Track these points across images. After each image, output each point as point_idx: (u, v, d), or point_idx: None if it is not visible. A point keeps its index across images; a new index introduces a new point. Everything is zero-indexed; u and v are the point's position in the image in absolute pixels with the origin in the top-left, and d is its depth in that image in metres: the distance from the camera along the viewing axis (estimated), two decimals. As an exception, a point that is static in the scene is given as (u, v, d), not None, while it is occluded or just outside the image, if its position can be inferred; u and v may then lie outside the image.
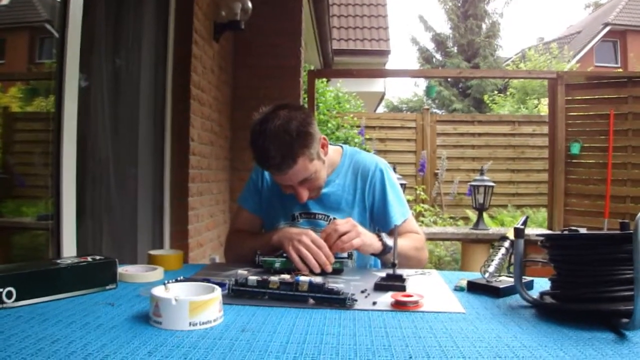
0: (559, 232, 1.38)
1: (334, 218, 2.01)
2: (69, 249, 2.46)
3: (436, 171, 8.94)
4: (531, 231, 5.75)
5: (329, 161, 2.03)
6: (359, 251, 1.85)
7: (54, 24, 2.57)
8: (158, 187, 3.71)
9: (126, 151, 3.33)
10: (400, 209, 2.09)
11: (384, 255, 1.88)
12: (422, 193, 8.29)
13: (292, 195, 1.95)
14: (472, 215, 7.76)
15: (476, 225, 6.03)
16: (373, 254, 1.92)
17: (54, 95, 2.50)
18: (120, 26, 3.25)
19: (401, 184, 5.39)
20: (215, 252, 4.46)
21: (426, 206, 8.01)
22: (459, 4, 26.27)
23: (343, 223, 1.80)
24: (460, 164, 9.27)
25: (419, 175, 8.81)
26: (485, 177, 5.90)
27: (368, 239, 1.82)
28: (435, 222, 7.52)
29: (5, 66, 2.66)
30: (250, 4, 4.32)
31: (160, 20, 3.74)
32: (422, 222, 7.25)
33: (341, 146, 2.20)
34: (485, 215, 6.32)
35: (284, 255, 1.78)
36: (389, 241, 1.81)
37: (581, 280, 1.26)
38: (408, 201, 2.27)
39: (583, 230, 1.34)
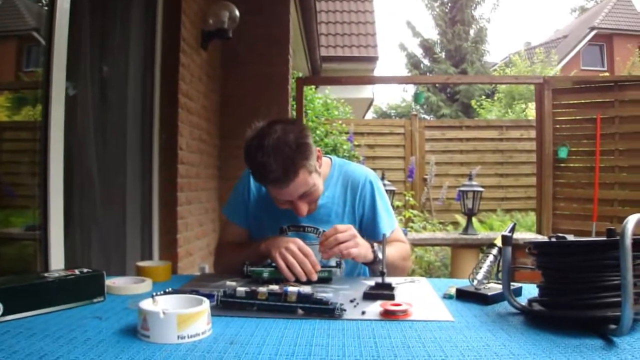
0: (546, 240, 1.38)
1: (323, 231, 2.00)
2: (56, 260, 2.44)
3: (425, 176, 8.96)
4: (520, 235, 5.79)
5: None
6: (353, 260, 1.85)
7: (40, 32, 2.55)
8: (146, 196, 3.70)
9: (114, 160, 3.31)
10: (388, 220, 2.10)
11: (373, 265, 1.89)
12: (411, 199, 8.30)
13: (280, 208, 1.95)
14: (462, 220, 7.78)
15: (465, 230, 6.04)
16: (363, 263, 1.92)
17: (41, 104, 2.49)
18: (108, 34, 3.24)
19: (390, 190, 5.42)
20: (205, 261, 4.45)
21: (415, 212, 8.02)
22: (447, 10, 26.43)
23: (344, 230, 1.79)
24: (449, 169, 9.29)
25: (407, 181, 8.82)
26: (474, 182, 5.91)
27: (364, 249, 1.82)
28: (424, 228, 7.53)
29: (-7, 75, 2.65)
30: (237, 12, 4.32)
31: (147, 28, 3.73)
32: (412, 227, 7.25)
33: (330, 157, 2.19)
34: (474, 220, 6.33)
35: (272, 264, 1.78)
36: (380, 254, 1.81)
37: (569, 287, 1.27)
38: (397, 207, 2.29)
39: (570, 237, 1.35)
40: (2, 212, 2.66)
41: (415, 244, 5.99)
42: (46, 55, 2.47)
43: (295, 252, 1.74)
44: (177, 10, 3.85)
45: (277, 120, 1.89)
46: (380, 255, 1.81)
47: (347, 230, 1.80)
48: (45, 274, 1.44)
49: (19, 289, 1.33)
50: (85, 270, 1.50)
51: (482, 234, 6.33)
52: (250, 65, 5.11)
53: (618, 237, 1.11)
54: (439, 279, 1.92)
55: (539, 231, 6.30)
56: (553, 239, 1.35)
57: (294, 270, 1.71)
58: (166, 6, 3.85)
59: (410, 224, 7.46)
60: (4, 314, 1.27)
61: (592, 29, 25.00)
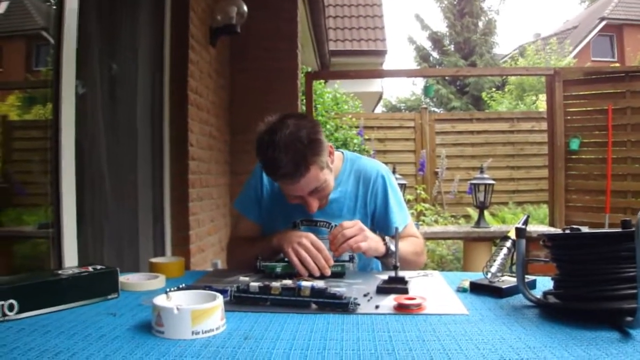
0: (560, 232, 1.37)
1: (336, 225, 2.00)
2: (70, 257, 2.45)
3: (436, 170, 8.92)
4: (533, 228, 5.75)
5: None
6: (364, 254, 1.85)
7: (49, 31, 2.56)
8: (158, 193, 3.71)
9: (125, 157, 3.32)
10: (401, 215, 2.09)
11: (386, 258, 1.89)
12: (422, 192, 8.27)
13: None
14: (473, 213, 7.76)
15: (477, 224, 6.01)
16: (376, 257, 1.92)
17: (51, 102, 2.49)
18: (116, 32, 3.25)
19: (401, 184, 5.40)
20: (217, 257, 4.45)
21: (427, 205, 7.98)
22: (455, 2, 26.28)
23: (351, 226, 1.79)
24: (460, 162, 9.25)
25: (418, 174, 8.80)
26: (485, 175, 5.89)
27: (374, 242, 1.82)
28: (436, 221, 7.50)
29: (3, 74, 2.65)
30: (245, 8, 4.32)
31: (156, 25, 3.74)
32: (424, 221, 7.22)
33: (342, 152, 2.19)
34: (486, 213, 6.30)
35: (285, 259, 1.78)
36: (392, 246, 1.80)
37: (584, 279, 1.26)
38: (409, 201, 2.28)
39: (585, 229, 1.34)
40: (14, 211, 2.67)
41: (427, 237, 5.96)
42: (56, 54, 2.48)
43: (308, 246, 1.74)
44: (185, 7, 3.84)
45: (289, 114, 1.88)
46: (392, 248, 1.80)
47: (354, 226, 1.80)
48: (59, 271, 1.44)
49: (34, 286, 1.33)
50: (99, 267, 1.51)
51: (494, 227, 6.30)
52: (258, 61, 5.11)
53: (634, 229, 1.10)
54: (452, 273, 1.92)
55: (552, 223, 6.27)
56: (567, 231, 1.34)
57: (307, 266, 1.71)
58: (174, 3, 3.85)
59: (422, 218, 7.43)
60: (19, 312, 1.27)
61: (602, 19, 24.80)
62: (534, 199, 9.21)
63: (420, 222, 6.86)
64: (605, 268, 1.22)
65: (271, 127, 1.82)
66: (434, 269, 6.59)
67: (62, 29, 2.48)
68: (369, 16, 12.44)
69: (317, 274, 1.70)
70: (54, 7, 2.54)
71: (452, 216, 8.25)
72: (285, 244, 1.78)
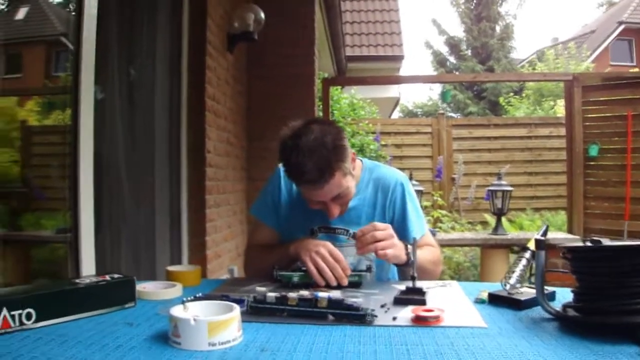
0: (580, 242, 1.35)
1: (354, 233, 2.00)
2: (87, 263, 2.46)
3: (453, 176, 8.86)
4: (551, 235, 5.70)
5: None
6: (386, 260, 1.84)
7: (69, 37, 2.58)
8: (175, 200, 3.72)
9: (143, 164, 3.34)
10: (419, 224, 2.08)
11: (404, 267, 1.88)
12: (439, 199, 8.23)
13: (310, 208, 1.94)
14: (491, 219, 7.70)
15: (495, 231, 5.96)
16: (395, 264, 1.91)
17: (70, 108, 2.51)
18: (134, 39, 3.27)
19: (418, 190, 5.38)
20: (234, 263, 4.46)
21: (444, 212, 7.93)
22: (472, 7, 26.22)
23: (382, 228, 1.78)
24: (477, 168, 9.20)
25: (435, 180, 8.75)
26: (502, 182, 5.84)
27: (399, 251, 1.81)
28: (453, 228, 7.45)
29: (23, 80, 2.68)
30: (262, 15, 4.33)
31: (173, 32, 3.76)
32: (440, 227, 7.18)
33: (360, 160, 2.18)
34: (503, 219, 6.25)
35: (302, 268, 1.77)
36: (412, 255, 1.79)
37: (605, 292, 1.24)
38: (425, 207, 2.26)
39: (605, 241, 1.32)
40: (33, 215, 2.70)
41: (444, 244, 5.93)
42: (74, 60, 2.50)
43: (326, 256, 1.73)
44: (202, 14, 3.86)
45: (314, 120, 1.89)
46: (412, 257, 1.79)
47: (386, 230, 1.79)
48: (77, 280, 1.45)
49: (51, 295, 1.34)
50: (115, 275, 1.51)
51: (511, 233, 6.25)
52: (276, 67, 5.12)
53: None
54: (470, 283, 1.90)
55: (570, 230, 6.22)
56: (587, 242, 1.32)
57: (325, 275, 1.70)
58: (192, 10, 3.87)
59: (439, 224, 7.38)
60: (36, 321, 1.28)
61: (621, 23, 24.63)
62: (552, 205, 9.13)
63: (437, 229, 6.82)
64: (627, 281, 1.20)
65: (296, 132, 1.82)
66: (451, 277, 6.58)
67: (81, 35, 2.49)
68: (385, 22, 12.43)
69: (335, 283, 1.69)
70: (73, 13, 2.56)
71: (469, 223, 8.19)
72: (303, 253, 1.77)
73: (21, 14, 2.67)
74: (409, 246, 1.86)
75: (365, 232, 1.78)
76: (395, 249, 1.78)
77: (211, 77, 3.96)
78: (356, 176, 2.07)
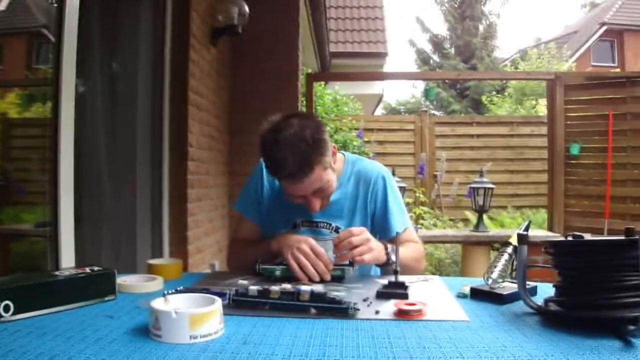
0: (562, 239, 1.36)
1: (337, 226, 2.00)
2: (67, 256, 2.44)
3: (435, 173, 8.91)
4: (531, 233, 5.71)
5: None
6: (365, 264, 1.83)
7: (50, 29, 2.55)
8: (157, 194, 3.70)
9: (124, 157, 3.31)
10: (400, 218, 2.08)
11: (386, 266, 1.88)
12: (421, 195, 8.26)
13: (293, 202, 1.93)
14: (472, 216, 7.74)
15: (476, 227, 6.00)
16: (376, 265, 1.91)
17: (51, 100, 2.48)
18: (117, 31, 3.24)
19: (401, 187, 5.40)
20: (215, 258, 4.45)
21: (426, 209, 7.98)
22: (456, 6, 26.32)
23: (357, 234, 1.77)
24: (459, 165, 9.23)
25: (418, 177, 8.79)
26: (484, 179, 5.87)
27: (377, 253, 1.80)
28: (435, 225, 7.50)
29: (3, 72, 2.65)
30: (247, 8, 4.31)
31: (157, 25, 3.73)
32: (422, 224, 7.22)
33: (342, 153, 2.17)
34: (485, 216, 6.29)
35: (284, 262, 1.77)
36: (393, 256, 1.79)
37: (586, 287, 1.24)
38: (407, 204, 2.26)
39: (587, 236, 1.32)
40: (12, 209, 2.66)
41: (425, 241, 5.95)
42: (56, 52, 2.47)
43: (308, 252, 1.72)
44: (186, 7, 3.84)
45: (294, 114, 1.88)
46: (393, 258, 1.79)
47: (361, 234, 1.78)
48: (56, 272, 1.43)
49: (30, 287, 1.32)
50: (96, 268, 1.50)
51: (493, 231, 6.29)
52: (259, 62, 5.10)
53: (638, 237, 1.09)
54: (452, 277, 1.91)
55: (551, 228, 6.26)
56: (569, 238, 1.33)
57: (307, 272, 1.69)
58: (175, 2, 3.84)
59: (421, 221, 7.42)
60: (14, 313, 1.26)
61: (603, 24, 24.83)
62: (533, 203, 9.19)
63: (419, 226, 6.85)
64: (608, 276, 1.21)
65: (275, 126, 1.81)
66: (432, 273, 6.60)
67: (63, 27, 2.47)
68: (370, 18, 12.44)
69: (317, 279, 1.69)
70: (55, 4, 2.53)
71: (450, 219, 8.24)
72: (285, 249, 1.76)
73: (2, 5, 2.64)
74: (389, 246, 1.86)
75: (341, 238, 1.77)
76: (373, 252, 1.77)
77: (194, 70, 3.93)
78: (338, 169, 2.06)
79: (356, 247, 1.74)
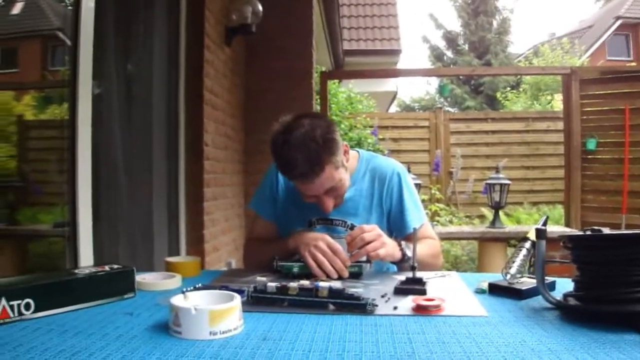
0: (581, 233, 1.35)
1: (352, 224, 2.00)
2: (85, 256, 2.46)
3: (451, 170, 8.88)
4: (548, 229, 5.69)
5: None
6: (381, 260, 1.83)
7: (66, 32, 2.57)
8: (173, 193, 3.71)
9: (140, 157, 3.33)
10: (417, 214, 2.07)
11: (401, 263, 1.87)
12: (437, 192, 8.24)
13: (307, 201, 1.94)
14: (488, 213, 7.71)
15: (492, 224, 5.97)
16: (391, 262, 1.91)
17: (67, 102, 2.50)
18: (132, 32, 3.25)
19: (416, 184, 5.38)
20: (231, 256, 4.46)
21: (441, 205, 7.96)
22: (469, 1, 26.19)
23: (369, 230, 1.77)
24: (475, 162, 9.20)
25: (433, 174, 8.76)
26: (500, 175, 5.84)
27: (391, 249, 1.80)
28: (450, 222, 7.47)
29: (19, 74, 2.67)
30: (260, 7, 4.31)
31: (171, 25, 3.74)
32: (438, 221, 7.20)
33: (357, 151, 2.17)
34: (500, 213, 6.26)
35: (302, 260, 1.77)
36: (409, 251, 1.79)
37: (606, 281, 1.24)
38: (423, 201, 2.25)
39: (606, 230, 1.32)
40: (30, 210, 2.69)
41: (442, 237, 5.90)
42: (72, 54, 2.49)
43: (325, 249, 1.73)
44: (200, 7, 3.85)
45: (304, 114, 1.88)
46: (408, 253, 1.79)
47: (373, 230, 1.78)
48: (76, 271, 1.44)
49: (51, 285, 1.33)
50: (115, 266, 1.51)
51: (509, 227, 6.26)
52: (273, 60, 5.11)
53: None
54: (470, 274, 1.90)
55: (567, 224, 6.22)
56: (588, 232, 1.32)
57: (325, 269, 1.70)
58: (190, 3, 3.86)
59: (437, 218, 7.40)
60: (35, 311, 1.27)
61: (618, 18, 24.62)
62: (549, 199, 9.14)
63: (435, 222, 6.83)
64: (628, 270, 1.20)
65: (286, 126, 1.81)
66: (449, 270, 6.57)
67: (79, 29, 2.48)
68: (383, 15, 12.41)
69: (335, 276, 1.69)
70: (70, 7, 2.54)
71: (466, 216, 8.21)
72: (302, 247, 1.77)
73: (17, 8, 2.67)
74: (403, 242, 1.85)
75: (354, 236, 1.77)
76: (387, 247, 1.78)
77: (209, 70, 3.94)
78: (352, 167, 2.06)
79: (369, 243, 1.74)
